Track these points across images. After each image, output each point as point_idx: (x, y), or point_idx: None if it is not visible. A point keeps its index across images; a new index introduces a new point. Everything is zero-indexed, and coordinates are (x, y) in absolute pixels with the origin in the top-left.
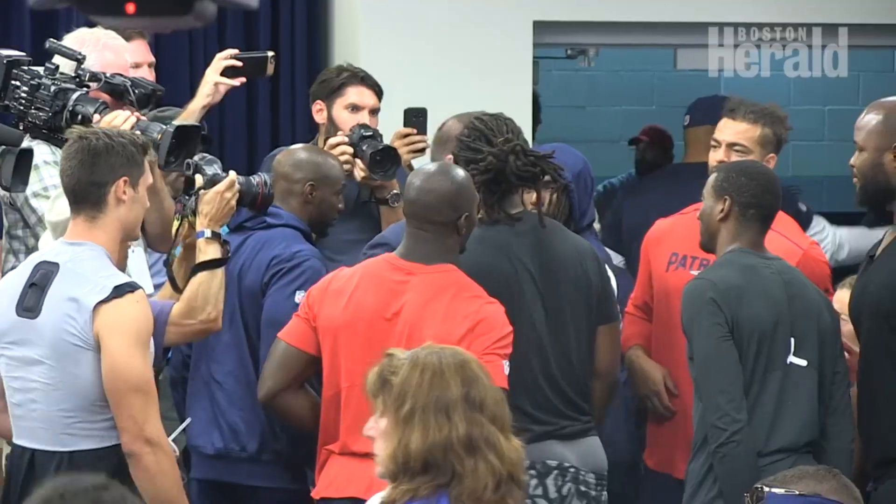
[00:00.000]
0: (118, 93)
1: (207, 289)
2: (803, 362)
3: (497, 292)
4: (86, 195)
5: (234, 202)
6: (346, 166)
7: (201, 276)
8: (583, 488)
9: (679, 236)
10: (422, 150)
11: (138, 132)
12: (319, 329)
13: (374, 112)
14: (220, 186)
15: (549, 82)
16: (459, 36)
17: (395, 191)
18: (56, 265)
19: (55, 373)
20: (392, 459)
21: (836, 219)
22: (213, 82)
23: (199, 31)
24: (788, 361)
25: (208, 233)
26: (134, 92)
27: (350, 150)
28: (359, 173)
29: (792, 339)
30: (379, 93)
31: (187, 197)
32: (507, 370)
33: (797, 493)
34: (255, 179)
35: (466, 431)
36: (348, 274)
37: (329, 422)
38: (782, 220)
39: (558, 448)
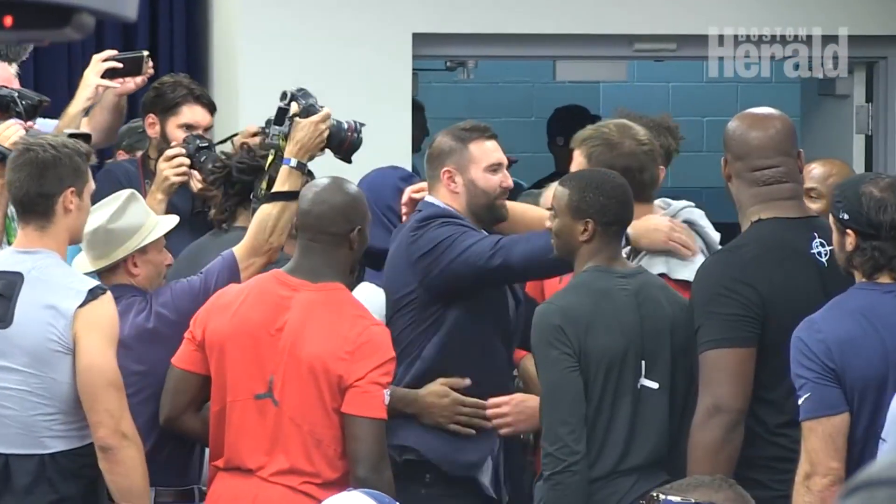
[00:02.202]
0: (4, 104)
1: (276, 220)
2: (655, 385)
3: None
4: (34, 206)
5: (325, 135)
6: (183, 178)
7: (270, 208)
8: None
9: None
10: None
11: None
12: (206, 344)
13: (206, 130)
14: (316, 117)
15: (429, 94)
16: (339, 47)
17: None
18: (18, 275)
19: (34, 379)
20: None
21: (717, 229)
22: (95, 85)
23: (78, 42)
24: (640, 385)
25: (294, 161)
26: (21, 103)
27: (187, 161)
28: (195, 184)
29: (643, 362)
30: (213, 110)
31: (276, 129)
32: (387, 400)
33: (693, 501)
34: (345, 123)
35: None
36: (238, 289)
37: (217, 437)
38: None
39: None
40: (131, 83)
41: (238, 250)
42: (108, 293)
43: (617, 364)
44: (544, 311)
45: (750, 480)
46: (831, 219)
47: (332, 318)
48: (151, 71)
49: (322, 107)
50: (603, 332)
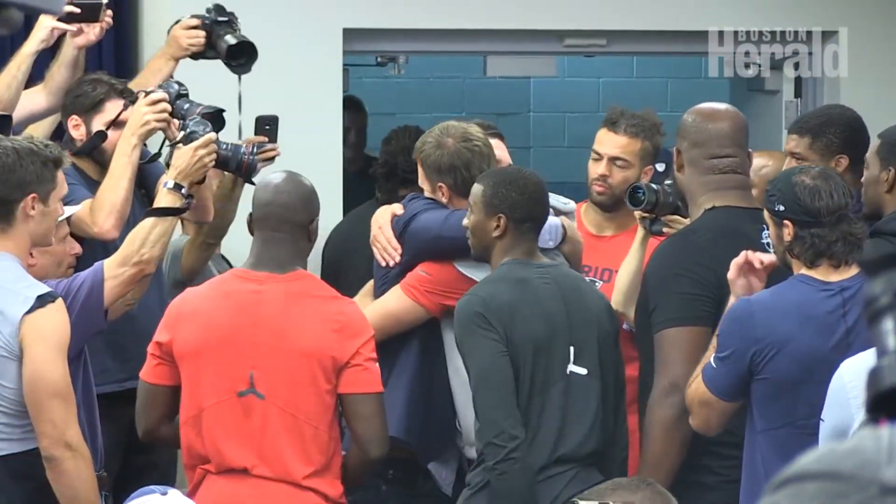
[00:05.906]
0: None
1: (147, 234)
2: (583, 371)
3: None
4: None
5: (206, 160)
6: (163, 124)
7: (145, 222)
8: None
9: None
10: (272, 159)
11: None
12: (177, 356)
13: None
14: (194, 143)
15: (360, 90)
16: (269, 42)
17: None
18: None
19: None
20: None
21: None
22: (50, 27)
23: (6, 38)
24: (569, 371)
25: (171, 183)
26: None
27: (169, 108)
28: (174, 132)
29: (571, 348)
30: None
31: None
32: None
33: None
34: (242, 146)
35: None
36: (198, 296)
37: (194, 442)
38: None
39: None
40: (91, 34)
41: (108, 261)
42: (59, 300)
43: (544, 349)
44: (465, 302)
45: (698, 466)
46: (766, 214)
47: (312, 303)
48: (109, 20)
49: (205, 133)
50: (527, 319)
